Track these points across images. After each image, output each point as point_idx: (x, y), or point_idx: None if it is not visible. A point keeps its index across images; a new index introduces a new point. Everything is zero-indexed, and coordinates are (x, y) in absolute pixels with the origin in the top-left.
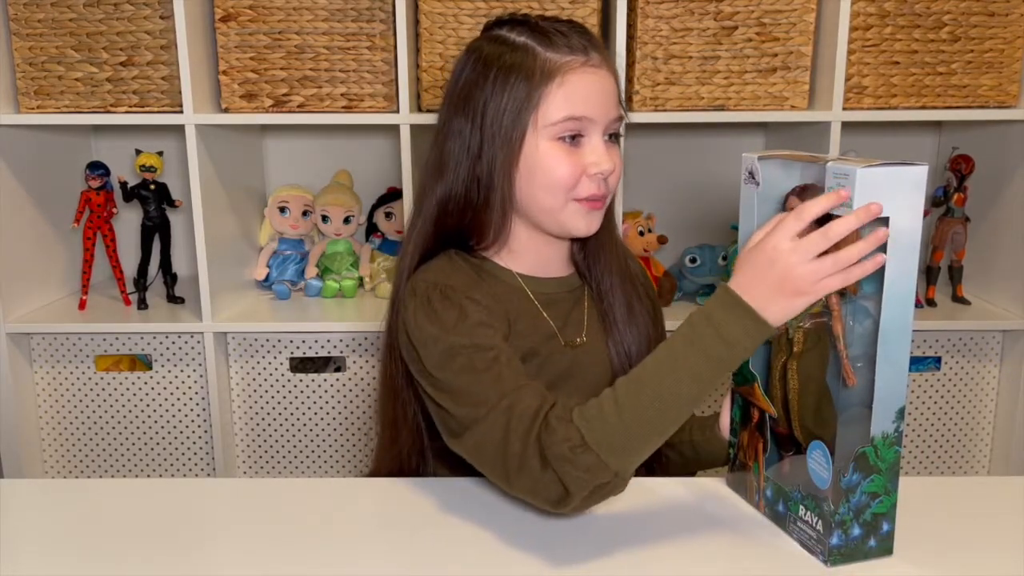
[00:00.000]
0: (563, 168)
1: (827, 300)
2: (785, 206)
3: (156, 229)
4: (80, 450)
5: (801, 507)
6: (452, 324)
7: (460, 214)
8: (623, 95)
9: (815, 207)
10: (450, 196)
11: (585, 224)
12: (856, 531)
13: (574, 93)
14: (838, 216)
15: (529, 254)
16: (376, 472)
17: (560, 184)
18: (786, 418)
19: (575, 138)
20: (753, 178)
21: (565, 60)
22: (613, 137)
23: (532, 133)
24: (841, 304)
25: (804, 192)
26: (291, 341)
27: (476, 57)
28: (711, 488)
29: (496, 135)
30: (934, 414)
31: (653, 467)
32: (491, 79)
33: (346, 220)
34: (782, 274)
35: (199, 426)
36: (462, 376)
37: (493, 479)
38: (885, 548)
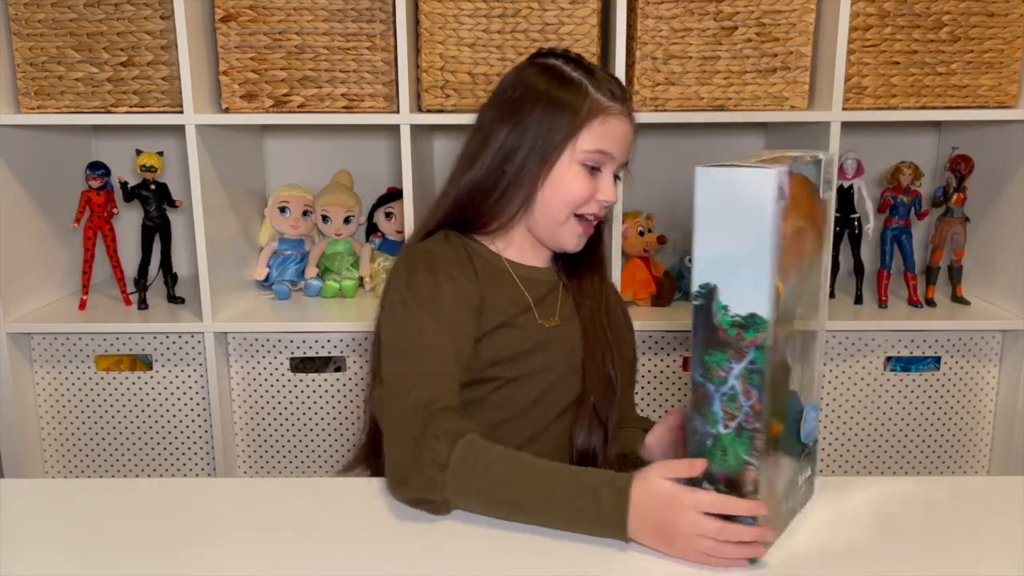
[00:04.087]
0: (582, 188)
1: None
2: None
3: (156, 229)
4: (80, 450)
5: (799, 477)
6: (423, 296)
7: (478, 203)
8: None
9: (737, 506)
10: (476, 186)
11: (575, 242)
12: None
13: (609, 133)
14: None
15: (517, 247)
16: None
17: (572, 200)
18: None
19: (595, 168)
20: (784, 194)
21: (609, 104)
22: (616, 177)
23: (568, 154)
24: None
25: None
26: (291, 341)
27: (533, 76)
28: None
29: (536, 147)
30: (933, 414)
31: None
32: (544, 103)
33: (346, 220)
34: (669, 527)
35: (199, 426)
36: (402, 337)
37: (384, 437)
38: None
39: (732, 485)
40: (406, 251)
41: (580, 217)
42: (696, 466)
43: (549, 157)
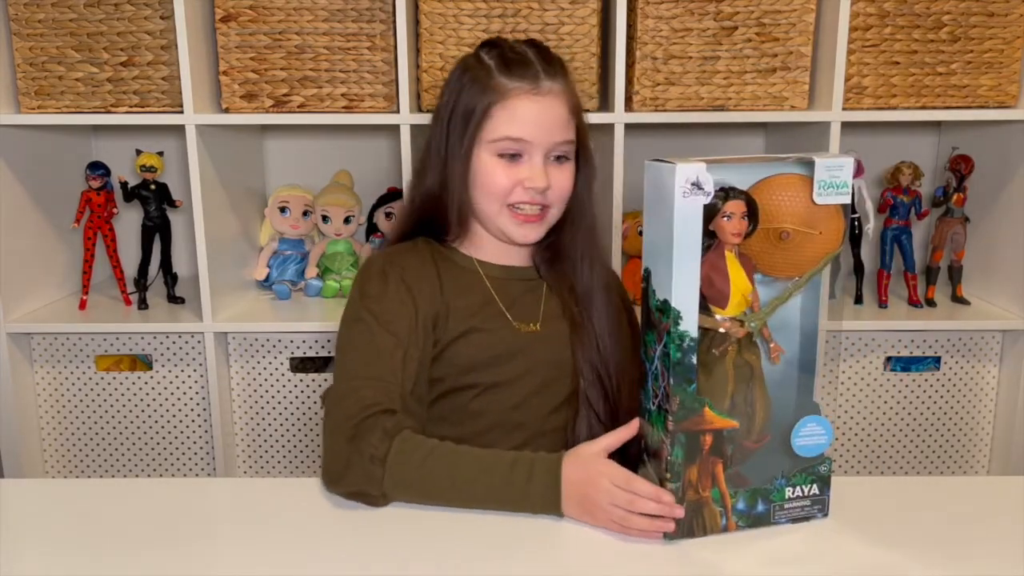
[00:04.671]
0: (498, 179)
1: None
2: (717, 210)
3: (156, 229)
4: (80, 450)
5: (788, 489)
6: (373, 300)
7: (433, 210)
8: (580, 120)
9: (644, 488)
10: (427, 196)
11: (520, 232)
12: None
13: (515, 116)
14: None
15: (487, 246)
16: None
17: (495, 192)
18: (749, 424)
19: (514, 156)
20: (701, 189)
21: (514, 86)
22: (560, 159)
23: (479, 146)
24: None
25: (728, 195)
26: (291, 341)
27: (454, 74)
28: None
29: (455, 144)
30: (933, 414)
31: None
32: (456, 94)
33: (346, 220)
34: (590, 498)
35: (199, 426)
36: (350, 341)
37: None
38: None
39: (654, 459)
40: (370, 256)
41: (513, 207)
42: (632, 426)
43: (468, 153)
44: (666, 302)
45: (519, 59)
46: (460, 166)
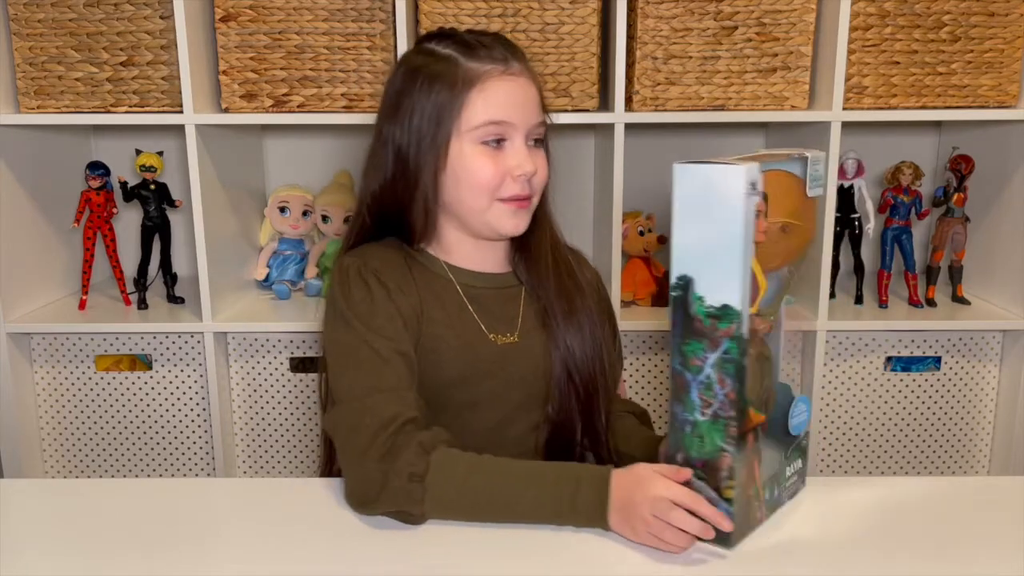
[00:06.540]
0: (487, 170)
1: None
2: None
3: (156, 229)
4: (80, 450)
5: (788, 468)
6: (360, 308)
7: (391, 212)
8: (544, 103)
9: (703, 509)
10: (382, 196)
11: (512, 223)
12: None
13: (493, 99)
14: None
15: (459, 250)
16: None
17: (485, 185)
18: (768, 415)
19: (499, 142)
20: (755, 188)
21: (485, 68)
22: (538, 143)
23: (456, 138)
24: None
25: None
26: (291, 341)
27: (406, 68)
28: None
29: (422, 140)
30: (934, 414)
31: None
32: (417, 87)
33: (346, 220)
34: (634, 509)
35: (199, 426)
36: (346, 354)
37: (339, 459)
38: None
39: (709, 470)
40: (340, 260)
41: (504, 200)
42: (682, 473)
43: (439, 146)
44: (726, 307)
45: (480, 43)
46: (433, 165)
